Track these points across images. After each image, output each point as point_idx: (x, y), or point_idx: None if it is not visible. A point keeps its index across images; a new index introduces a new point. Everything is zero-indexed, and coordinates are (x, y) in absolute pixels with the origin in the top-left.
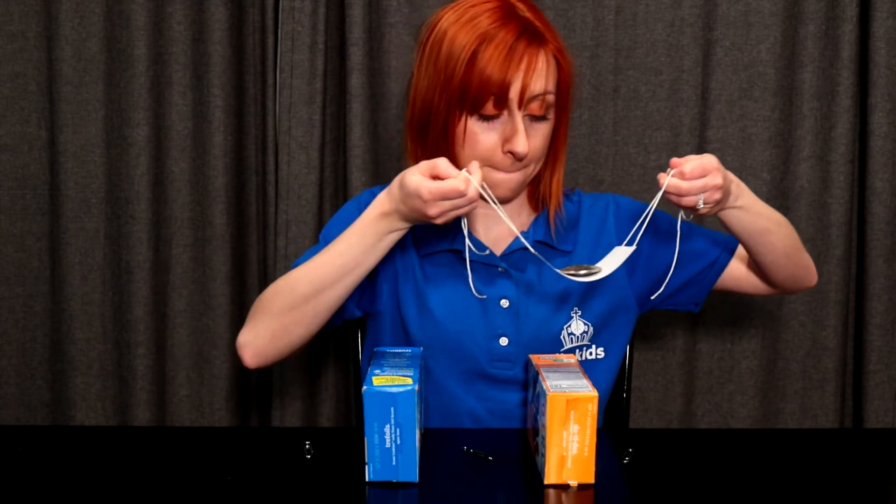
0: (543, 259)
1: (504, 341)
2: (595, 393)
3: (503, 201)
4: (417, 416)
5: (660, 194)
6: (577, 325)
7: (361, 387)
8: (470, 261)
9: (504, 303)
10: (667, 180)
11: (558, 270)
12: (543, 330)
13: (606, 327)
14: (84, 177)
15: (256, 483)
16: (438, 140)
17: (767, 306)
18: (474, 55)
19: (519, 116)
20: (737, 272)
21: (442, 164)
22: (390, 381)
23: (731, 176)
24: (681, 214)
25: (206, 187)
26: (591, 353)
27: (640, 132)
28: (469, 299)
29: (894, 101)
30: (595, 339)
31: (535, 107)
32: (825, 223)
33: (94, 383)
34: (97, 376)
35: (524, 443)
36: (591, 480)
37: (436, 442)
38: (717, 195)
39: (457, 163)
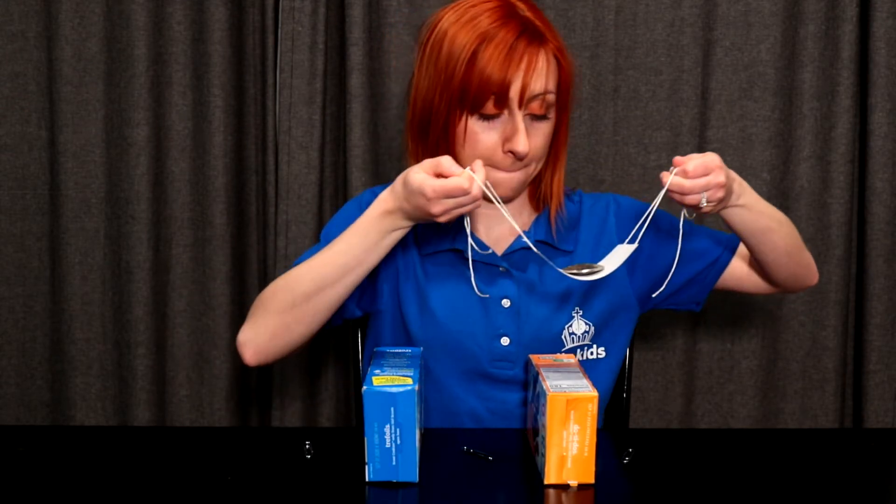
0: (546, 258)
1: (505, 341)
2: (595, 393)
3: (504, 201)
4: (417, 416)
5: (662, 192)
6: (579, 325)
7: (361, 387)
8: (472, 260)
9: (505, 302)
10: (670, 178)
11: (561, 270)
12: (544, 330)
13: (607, 327)
14: (84, 177)
15: (256, 483)
16: (439, 140)
17: (767, 306)
18: (474, 55)
19: (519, 116)
20: (738, 271)
21: (446, 161)
22: (390, 381)
23: (733, 174)
24: (683, 213)
25: (206, 187)
26: (591, 353)
27: (640, 132)
28: (470, 299)
29: (894, 101)
30: (596, 339)
31: (535, 106)
32: (825, 223)
33: (94, 383)
34: (97, 376)
35: (524, 443)
36: (591, 480)
37: (436, 442)
38: (720, 193)
39: (458, 162)
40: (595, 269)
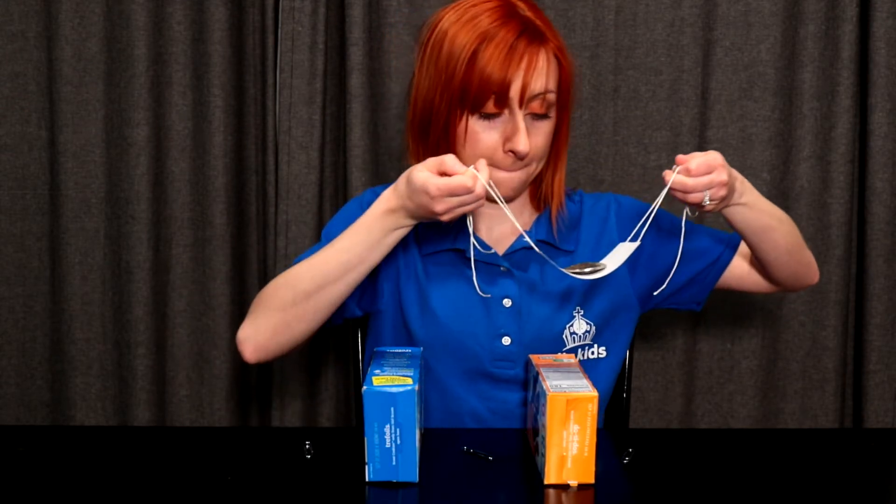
0: (547, 258)
1: (506, 341)
2: (595, 393)
3: (505, 201)
4: (417, 416)
5: (665, 191)
6: (580, 325)
7: (361, 387)
8: (473, 260)
9: (506, 302)
10: (672, 177)
11: (563, 269)
12: (546, 329)
13: (608, 326)
14: (84, 177)
15: (256, 483)
16: (440, 139)
17: (767, 306)
18: (475, 54)
19: (520, 115)
20: (739, 270)
21: (449, 160)
22: (390, 381)
23: (735, 173)
24: (685, 211)
25: (206, 187)
26: (592, 353)
27: (640, 132)
28: (471, 298)
29: (894, 101)
30: (597, 339)
31: (536, 105)
32: (825, 223)
33: (94, 383)
34: (97, 376)
35: (524, 443)
36: (591, 480)
37: (436, 442)
38: (723, 192)
39: None
40: (597, 268)
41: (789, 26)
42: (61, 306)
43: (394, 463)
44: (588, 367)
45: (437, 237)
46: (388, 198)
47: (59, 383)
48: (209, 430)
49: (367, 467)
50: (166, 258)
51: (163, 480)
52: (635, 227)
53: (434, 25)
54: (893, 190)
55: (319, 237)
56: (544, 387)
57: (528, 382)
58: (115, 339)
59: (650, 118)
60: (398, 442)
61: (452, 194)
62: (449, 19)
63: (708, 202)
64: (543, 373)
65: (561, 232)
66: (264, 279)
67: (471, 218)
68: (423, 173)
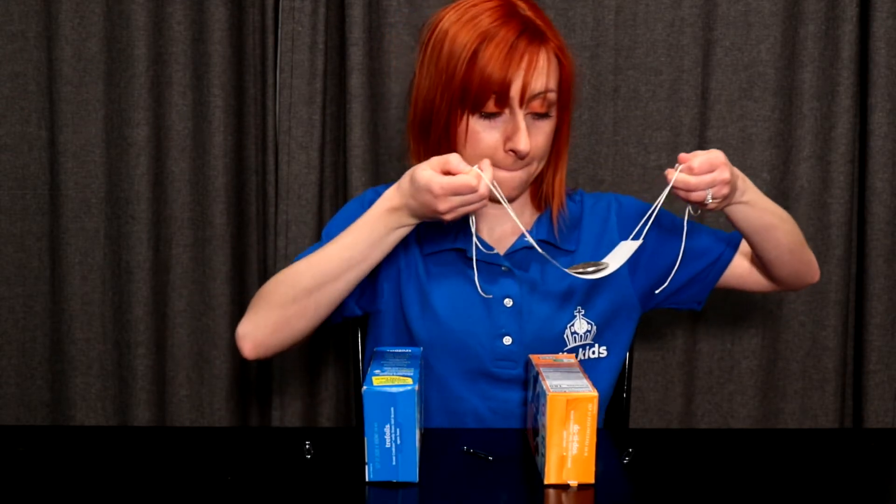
0: (550, 258)
1: (507, 340)
2: (595, 393)
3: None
4: (417, 416)
5: (667, 189)
6: (581, 324)
7: (361, 387)
8: (475, 260)
9: (507, 302)
10: (675, 175)
11: (566, 269)
12: (547, 329)
13: (609, 326)
14: (84, 177)
15: (256, 483)
16: (440, 139)
17: (767, 306)
18: (475, 54)
19: (520, 114)
20: (739, 269)
21: (454, 159)
22: (390, 381)
23: (737, 171)
24: (688, 210)
25: (206, 187)
26: (593, 352)
27: (640, 132)
28: (473, 298)
29: (894, 101)
30: (598, 338)
31: (536, 104)
32: (825, 223)
33: (94, 383)
34: (97, 376)
35: (524, 443)
36: (591, 480)
37: (436, 442)
38: (725, 190)
39: None
40: (600, 267)
41: (789, 26)
42: (61, 306)
43: (394, 463)
44: (589, 367)
45: (438, 237)
46: (392, 196)
47: (59, 383)
48: (209, 430)
49: (367, 467)
50: (166, 258)
51: (163, 480)
52: (636, 226)
53: (434, 25)
54: (893, 190)
55: (319, 237)
56: (544, 387)
57: (528, 382)
58: (115, 339)
59: (650, 118)
60: (398, 442)
61: (456, 193)
62: (449, 19)
63: (710, 200)
64: (543, 373)
65: (562, 232)
66: (264, 279)
67: (473, 218)
68: (427, 172)
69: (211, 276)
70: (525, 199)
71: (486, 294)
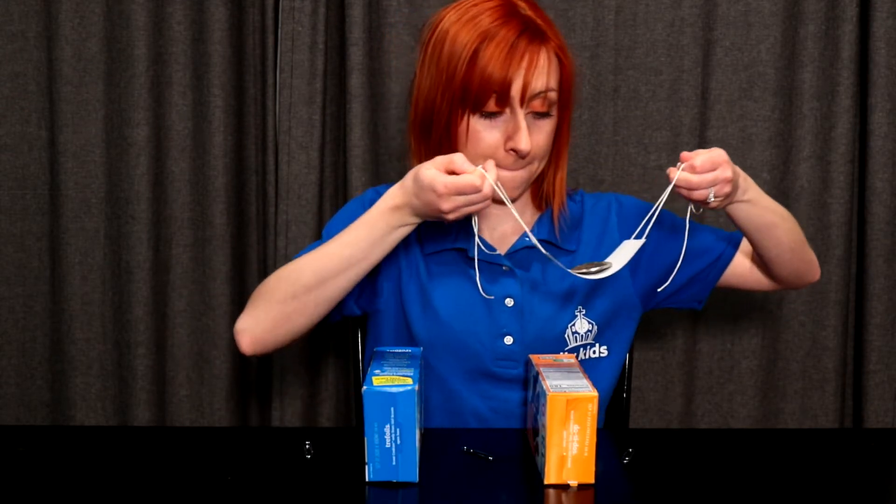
0: (553, 259)
1: (509, 340)
2: (595, 393)
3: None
4: (417, 416)
5: (670, 188)
6: (582, 324)
7: (361, 387)
8: (477, 260)
9: (509, 301)
10: (677, 174)
11: (570, 270)
12: (548, 329)
13: (610, 326)
14: (84, 177)
15: (256, 483)
16: (441, 139)
17: (767, 306)
18: (476, 53)
19: (521, 114)
20: (740, 268)
21: (458, 159)
22: (390, 381)
23: (738, 170)
24: (690, 208)
25: (206, 187)
26: (594, 352)
27: (640, 132)
28: (474, 298)
29: (894, 101)
30: (599, 338)
31: (537, 104)
32: (825, 223)
33: (94, 383)
34: (97, 376)
35: (524, 443)
36: (591, 480)
37: (436, 442)
38: (727, 188)
39: None
40: (603, 267)
41: (789, 26)
42: (61, 306)
43: (394, 463)
44: (589, 367)
45: (438, 236)
46: (395, 194)
47: (59, 383)
48: (209, 430)
49: (367, 467)
50: (166, 258)
51: (163, 480)
52: (636, 226)
53: (435, 25)
54: (893, 190)
55: (319, 237)
56: (544, 387)
57: (528, 382)
58: (115, 339)
59: (650, 118)
60: (398, 442)
61: (460, 193)
62: (450, 19)
63: (713, 199)
64: (543, 373)
65: (563, 231)
66: (264, 279)
67: (476, 219)
68: (432, 171)
69: (211, 276)
70: (526, 198)
71: (488, 295)
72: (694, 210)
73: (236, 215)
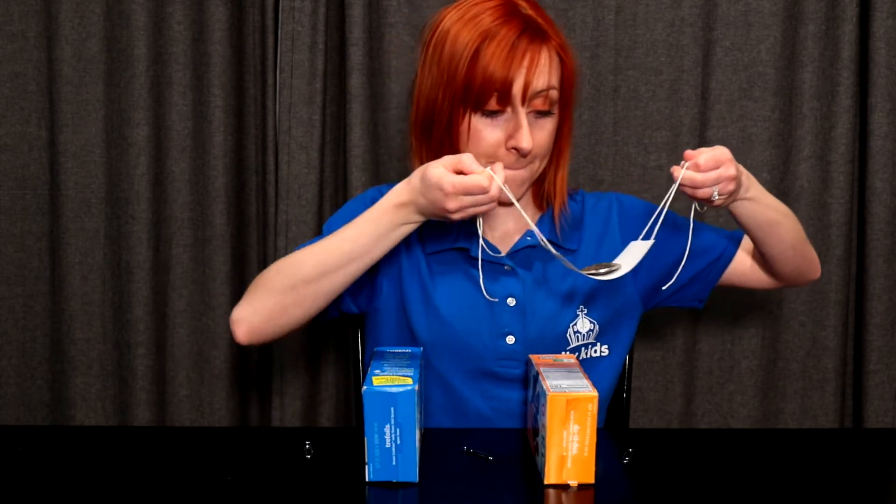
0: (563, 259)
1: (510, 340)
2: (595, 393)
3: (507, 200)
4: (417, 416)
5: (675, 187)
6: (583, 324)
7: (361, 387)
8: (481, 261)
9: (511, 301)
10: (681, 173)
11: (580, 270)
12: (549, 328)
13: (611, 325)
14: (84, 177)
15: (256, 483)
16: (443, 138)
17: (768, 306)
18: (477, 52)
19: (522, 113)
20: (742, 266)
21: (467, 159)
22: (390, 381)
23: (741, 167)
24: (694, 207)
25: (206, 187)
26: (595, 351)
27: (640, 132)
28: (476, 298)
29: (894, 101)
30: (600, 337)
31: (538, 102)
32: (825, 223)
33: (94, 383)
34: (97, 376)
35: (524, 443)
36: (591, 480)
37: (436, 442)
38: (731, 186)
39: None
40: (612, 268)
41: (789, 26)
42: (61, 306)
43: (394, 463)
44: (590, 366)
45: (440, 236)
46: (400, 192)
47: (59, 383)
48: (209, 430)
49: (367, 467)
50: (166, 258)
51: (163, 480)
52: (638, 225)
53: (436, 25)
54: (893, 190)
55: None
56: (544, 387)
57: (528, 382)
58: (115, 339)
59: (650, 118)
60: (398, 442)
61: (467, 193)
62: (451, 18)
63: (717, 197)
64: (543, 373)
65: (564, 231)
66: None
67: (480, 220)
68: (439, 169)
69: (211, 276)
70: (527, 198)
71: (492, 298)
72: (698, 208)
73: (236, 215)
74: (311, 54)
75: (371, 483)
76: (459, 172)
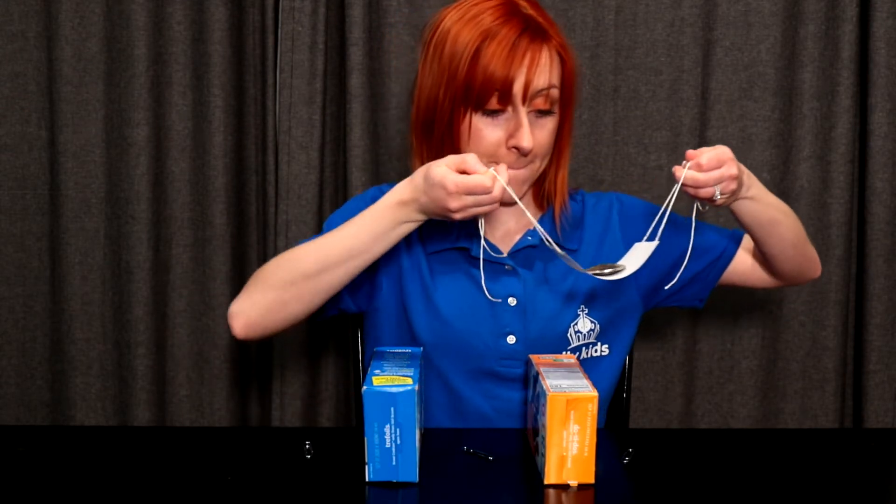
0: (568, 258)
1: (511, 339)
2: (595, 393)
3: (509, 200)
4: (417, 416)
5: (677, 187)
6: (584, 323)
7: (361, 387)
8: (482, 261)
9: (512, 301)
10: (684, 172)
11: (585, 270)
12: (550, 328)
13: (612, 325)
14: (84, 177)
15: (256, 483)
16: (444, 137)
17: (767, 306)
18: (477, 52)
19: (523, 112)
20: (742, 265)
21: (471, 159)
22: (390, 381)
23: (742, 166)
24: (696, 206)
25: (206, 187)
26: (595, 351)
27: (640, 132)
28: (476, 298)
29: (894, 101)
30: (601, 337)
31: (539, 102)
32: (825, 223)
33: (94, 383)
34: (97, 376)
35: (524, 443)
36: (591, 480)
37: (436, 442)
38: (733, 185)
39: None
40: (617, 269)
41: (789, 26)
42: (61, 306)
43: (394, 463)
44: (591, 365)
45: (440, 236)
46: (403, 190)
47: (59, 383)
48: (209, 430)
49: (367, 467)
50: (166, 258)
51: (163, 480)
52: (638, 225)
53: (436, 24)
54: (893, 190)
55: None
56: (544, 387)
57: (528, 382)
58: (115, 339)
59: (650, 118)
60: (398, 442)
61: (470, 193)
62: (451, 18)
63: (719, 197)
64: (543, 373)
65: (564, 230)
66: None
67: (482, 221)
68: (443, 168)
69: (211, 276)
70: (528, 198)
71: (495, 299)
72: (700, 208)
73: (236, 215)
74: (311, 54)
75: (371, 483)
76: (463, 172)
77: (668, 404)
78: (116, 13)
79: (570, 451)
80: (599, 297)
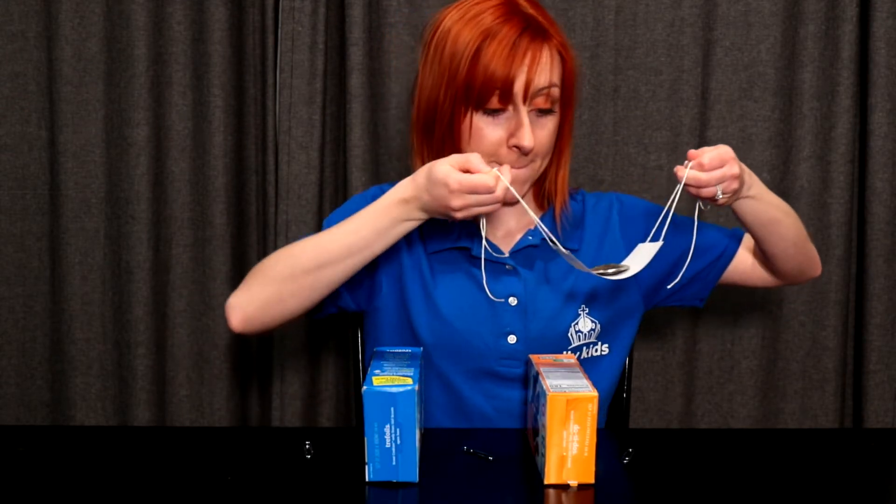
0: (572, 258)
1: (512, 339)
2: (595, 393)
3: (511, 200)
4: (417, 416)
5: (680, 187)
6: (585, 323)
7: (361, 387)
8: (484, 261)
9: (512, 301)
10: (686, 172)
11: (589, 269)
12: (551, 328)
13: (613, 325)
14: (84, 177)
15: (256, 483)
16: (444, 137)
17: (767, 306)
18: (478, 51)
19: (524, 111)
20: (742, 264)
21: (474, 158)
22: (390, 381)
23: (743, 166)
24: (698, 206)
25: (206, 187)
26: (596, 350)
27: (640, 132)
28: (477, 297)
29: (894, 101)
30: (601, 337)
31: (540, 101)
32: (825, 223)
33: (94, 383)
34: (97, 376)
35: (524, 443)
36: (591, 480)
37: (436, 442)
38: (735, 185)
39: None
40: (620, 269)
41: (789, 26)
42: (61, 306)
43: (394, 463)
44: (591, 365)
45: (441, 235)
46: (405, 188)
47: (59, 383)
48: (209, 430)
49: (367, 467)
50: (166, 258)
51: (163, 480)
52: (638, 225)
53: (437, 24)
54: (893, 190)
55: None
56: (544, 387)
57: (528, 382)
58: (115, 339)
59: (650, 118)
60: (398, 442)
61: (473, 192)
62: (452, 18)
63: (721, 196)
64: (543, 372)
65: (565, 230)
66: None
67: (484, 220)
68: (446, 167)
69: (211, 276)
70: (528, 197)
71: (497, 298)
72: (702, 207)
73: (236, 215)
74: (311, 54)
75: (371, 483)
76: (466, 171)
77: (668, 404)
78: (116, 13)
79: (570, 451)
80: (600, 297)
